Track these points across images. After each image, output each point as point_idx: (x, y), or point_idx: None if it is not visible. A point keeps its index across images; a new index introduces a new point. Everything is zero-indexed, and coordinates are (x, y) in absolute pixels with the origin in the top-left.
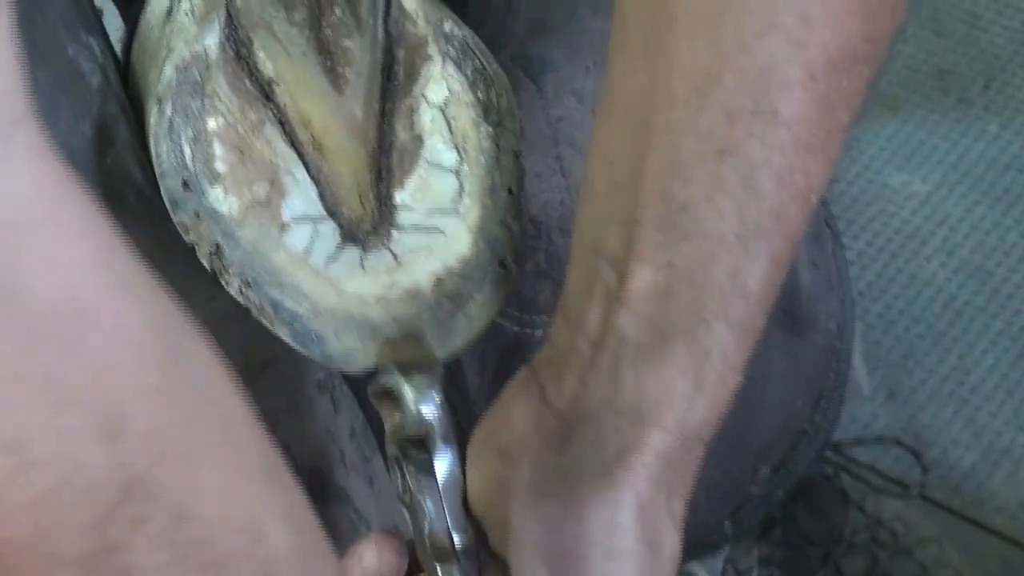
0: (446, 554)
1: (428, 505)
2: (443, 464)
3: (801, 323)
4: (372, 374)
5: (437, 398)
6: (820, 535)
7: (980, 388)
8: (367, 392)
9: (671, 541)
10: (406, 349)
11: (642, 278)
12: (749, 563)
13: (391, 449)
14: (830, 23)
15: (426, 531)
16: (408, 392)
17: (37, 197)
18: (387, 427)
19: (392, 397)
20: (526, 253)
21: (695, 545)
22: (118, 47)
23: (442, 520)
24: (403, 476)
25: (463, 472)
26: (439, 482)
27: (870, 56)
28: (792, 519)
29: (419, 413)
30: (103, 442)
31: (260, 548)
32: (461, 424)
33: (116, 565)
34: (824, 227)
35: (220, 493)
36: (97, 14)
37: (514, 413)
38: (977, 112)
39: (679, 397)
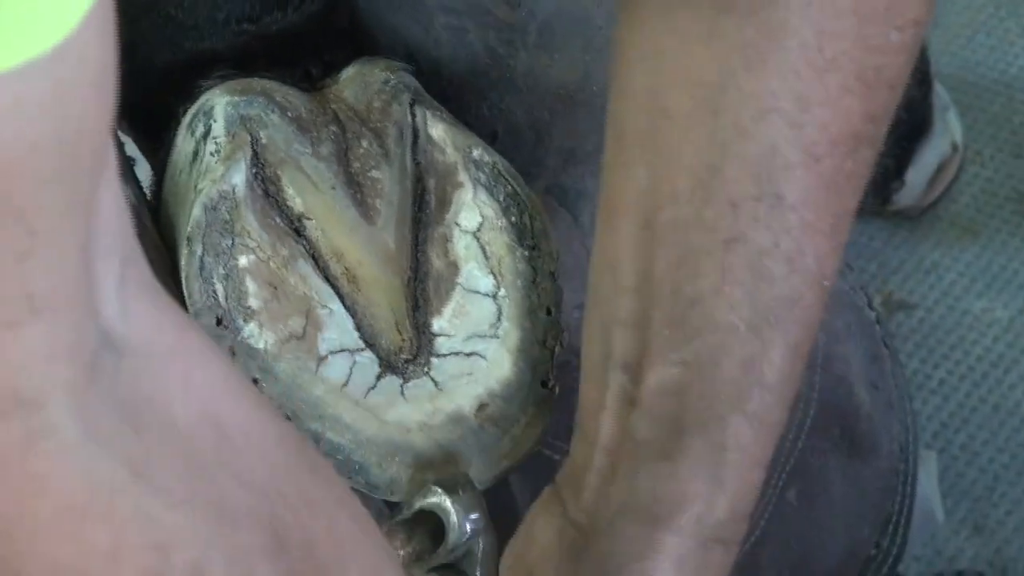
0: None
1: None
2: None
3: (862, 446)
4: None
5: (481, 514)
6: None
7: None
8: (385, 527)
9: None
10: (449, 472)
11: (655, 378)
12: None
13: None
14: (828, 103)
15: None
16: (453, 509)
17: (163, 328)
18: (407, 553)
19: (423, 522)
20: (570, 383)
21: None
22: (148, 194)
23: None
24: None
25: None
26: None
27: (872, 136)
28: None
29: (464, 530)
30: (270, 558)
31: None
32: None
33: None
34: (882, 347)
35: None
36: (129, 162)
37: (536, 531)
38: None
39: (696, 496)
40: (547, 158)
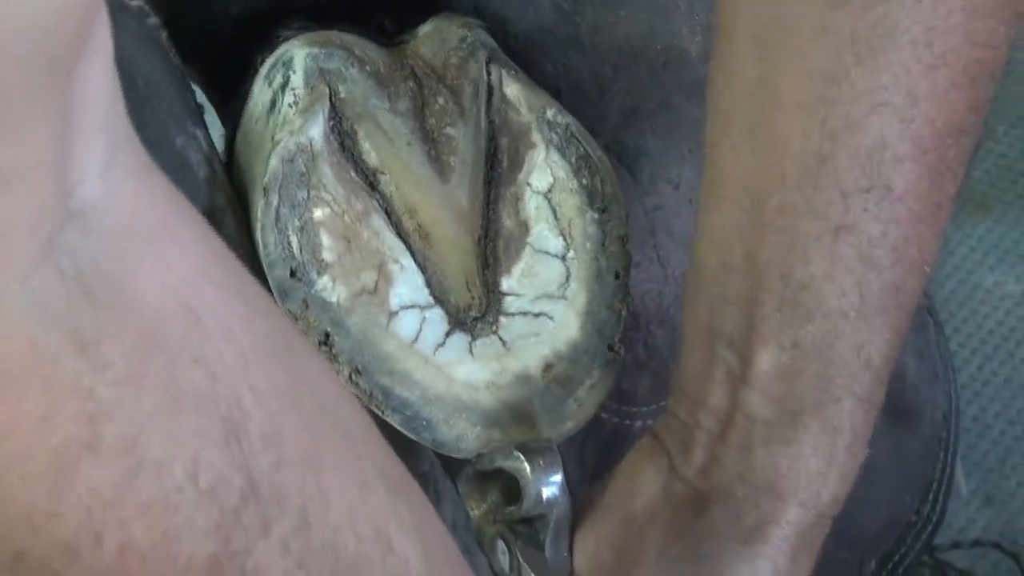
0: None
1: None
2: (556, 550)
3: (907, 413)
4: (468, 460)
5: (560, 482)
6: None
7: None
8: (463, 475)
9: None
10: (517, 434)
11: (767, 359)
12: None
13: (494, 528)
14: (936, 97)
15: None
16: (530, 475)
17: (149, 211)
18: (480, 513)
19: (495, 479)
20: (628, 346)
21: None
22: (219, 145)
23: None
24: (510, 552)
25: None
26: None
27: (975, 125)
28: None
29: (540, 495)
30: (223, 444)
31: (390, 558)
32: None
33: (242, 571)
34: (927, 316)
35: (344, 500)
36: (200, 110)
37: (638, 482)
38: None
39: (813, 474)
40: (608, 115)
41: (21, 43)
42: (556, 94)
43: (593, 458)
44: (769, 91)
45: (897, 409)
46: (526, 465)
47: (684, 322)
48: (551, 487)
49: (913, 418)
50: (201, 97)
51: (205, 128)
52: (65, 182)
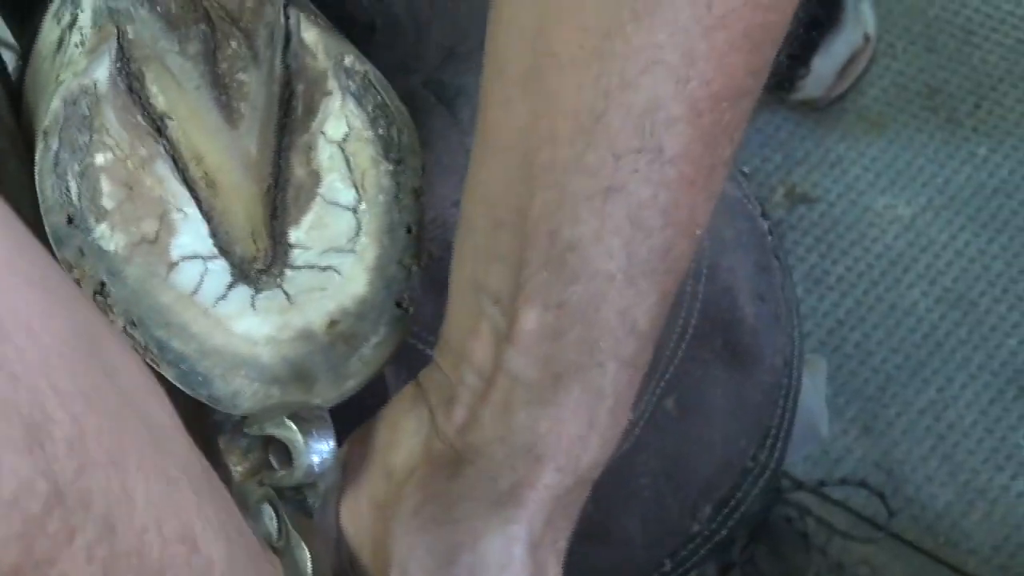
0: None
1: (308, 546)
2: (325, 517)
3: (744, 358)
4: (242, 420)
5: (330, 451)
6: None
7: (958, 424)
8: (224, 432)
9: None
10: (296, 391)
11: (532, 319)
12: None
13: (261, 492)
14: (713, 59)
15: (309, 571)
16: (303, 445)
17: None
18: (243, 471)
19: (266, 443)
20: (445, 279)
21: None
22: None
23: (324, 559)
24: (279, 519)
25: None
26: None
27: (753, 89)
28: (752, 563)
29: (312, 465)
30: (25, 450)
31: (196, 558)
32: None
33: None
34: (772, 259)
35: (149, 501)
36: None
37: (400, 432)
38: (966, 133)
39: (573, 437)
40: (427, 53)
41: None
42: (371, 29)
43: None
44: (545, 42)
45: (735, 352)
46: (299, 435)
47: (452, 275)
48: (323, 456)
49: (751, 362)
50: (3, 30)
51: None
52: None
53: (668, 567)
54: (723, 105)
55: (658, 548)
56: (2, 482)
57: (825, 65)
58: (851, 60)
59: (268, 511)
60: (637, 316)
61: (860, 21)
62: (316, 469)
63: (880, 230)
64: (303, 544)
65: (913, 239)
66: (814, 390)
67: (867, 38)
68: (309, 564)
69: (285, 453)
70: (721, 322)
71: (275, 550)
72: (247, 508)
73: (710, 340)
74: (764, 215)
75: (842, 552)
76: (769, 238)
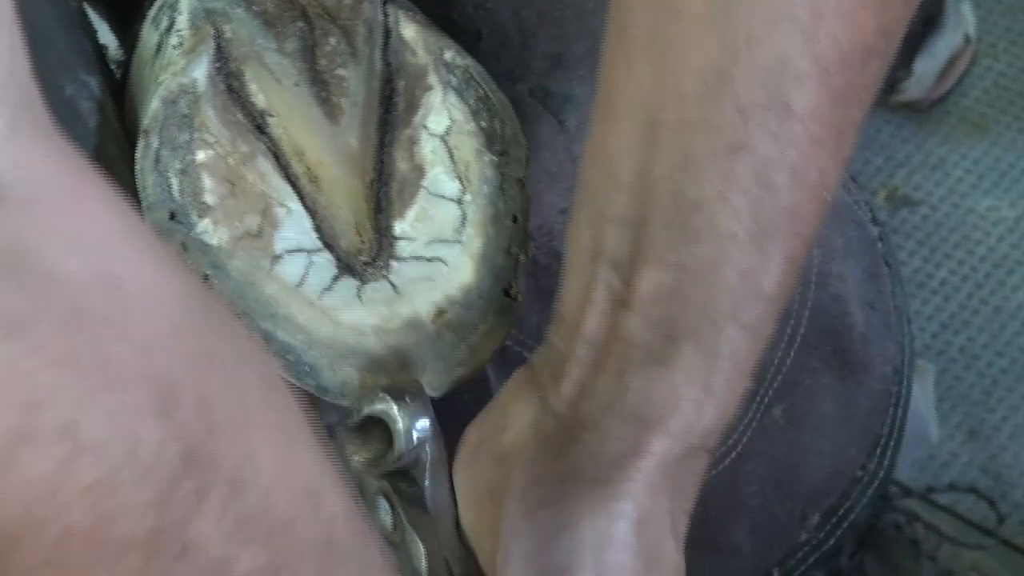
0: None
1: (422, 541)
2: (436, 494)
3: (854, 366)
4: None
5: (429, 422)
6: None
7: None
8: (339, 424)
9: (672, 556)
10: (404, 381)
11: (650, 280)
12: None
13: (375, 485)
14: (842, 15)
15: (423, 568)
16: (400, 416)
17: (56, 177)
18: (362, 460)
19: (374, 428)
20: (550, 287)
21: None
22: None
23: (438, 555)
24: (394, 512)
25: (454, 498)
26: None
27: (883, 50)
28: (861, 570)
29: (411, 435)
30: (157, 416)
31: (320, 512)
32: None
33: (181, 541)
34: (882, 266)
35: (274, 459)
36: (100, 50)
37: (511, 416)
38: None
39: (687, 401)
40: (533, 61)
41: None
42: (477, 37)
43: None
44: (668, 2)
45: (844, 361)
46: (393, 405)
47: (567, 245)
48: (421, 426)
49: (861, 371)
50: (106, 35)
51: (102, 72)
52: None
53: None
54: (852, 64)
55: (766, 557)
56: (139, 450)
57: (926, 67)
58: (952, 61)
59: (384, 504)
60: (761, 279)
61: (961, 22)
62: (416, 438)
63: (984, 232)
64: (417, 539)
65: (1017, 241)
66: (922, 396)
67: (968, 39)
68: (424, 560)
69: (388, 439)
70: (830, 330)
71: (390, 544)
72: (366, 502)
73: (819, 348)
74: (875, 221)
75: (951, 558)
76: (879, 244)
